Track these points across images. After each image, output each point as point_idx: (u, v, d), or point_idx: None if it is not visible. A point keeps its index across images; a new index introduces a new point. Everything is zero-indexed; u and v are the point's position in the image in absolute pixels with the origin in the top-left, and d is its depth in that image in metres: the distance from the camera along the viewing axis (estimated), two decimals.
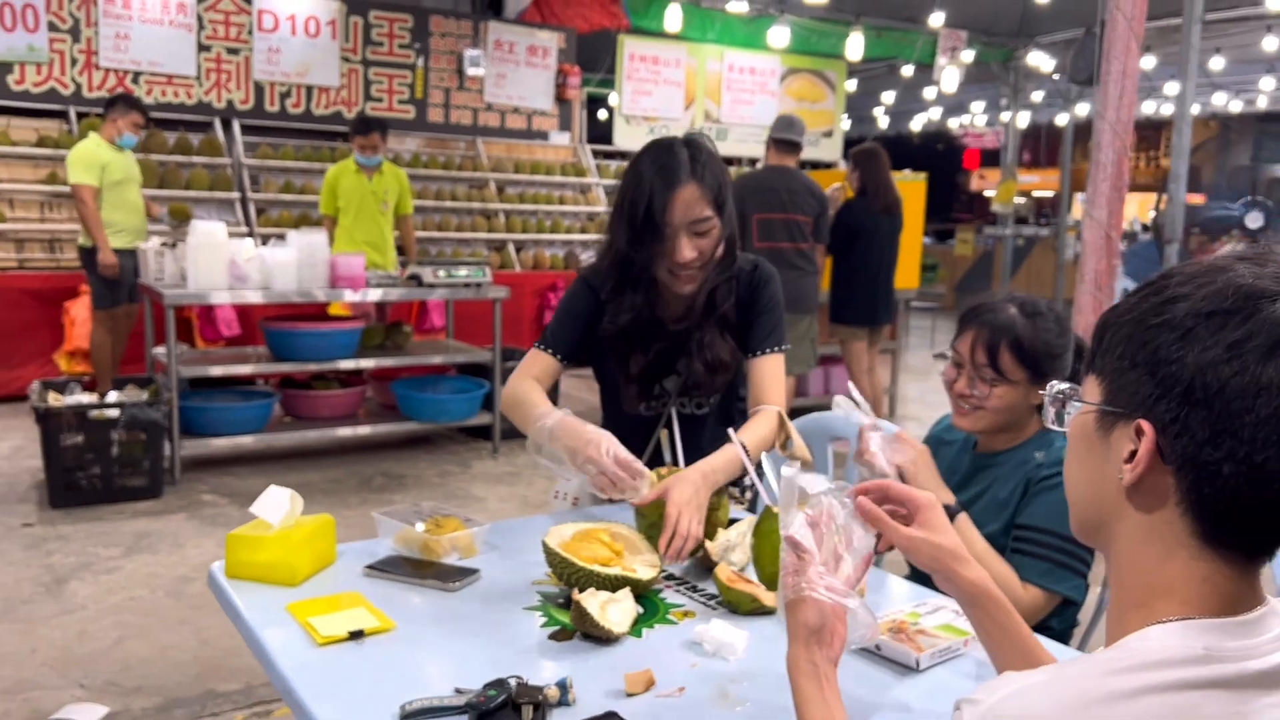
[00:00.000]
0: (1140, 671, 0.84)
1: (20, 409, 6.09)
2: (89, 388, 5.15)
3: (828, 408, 7.48)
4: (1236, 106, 16.13)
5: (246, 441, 5.43)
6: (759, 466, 1.89)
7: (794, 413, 6.56)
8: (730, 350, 2.10)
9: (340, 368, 5.62)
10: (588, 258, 9.21)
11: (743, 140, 10.37)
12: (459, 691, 1.37)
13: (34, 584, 3.82)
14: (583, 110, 10.04)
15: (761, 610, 1.67)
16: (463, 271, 5.82)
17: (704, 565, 1.86)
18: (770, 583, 1.70)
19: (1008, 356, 1.90)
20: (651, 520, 1.91)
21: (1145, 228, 15.60)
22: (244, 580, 1.76)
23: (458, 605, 1.70)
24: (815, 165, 10.46)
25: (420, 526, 1.93)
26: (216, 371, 5.33)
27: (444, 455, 5.92)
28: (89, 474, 4.69)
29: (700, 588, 1.79)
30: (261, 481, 5.38)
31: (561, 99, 9.63)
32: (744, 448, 1.93)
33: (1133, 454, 0.91)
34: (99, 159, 5.80)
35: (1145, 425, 0.89)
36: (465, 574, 1.79)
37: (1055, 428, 1.06)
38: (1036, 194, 24.20)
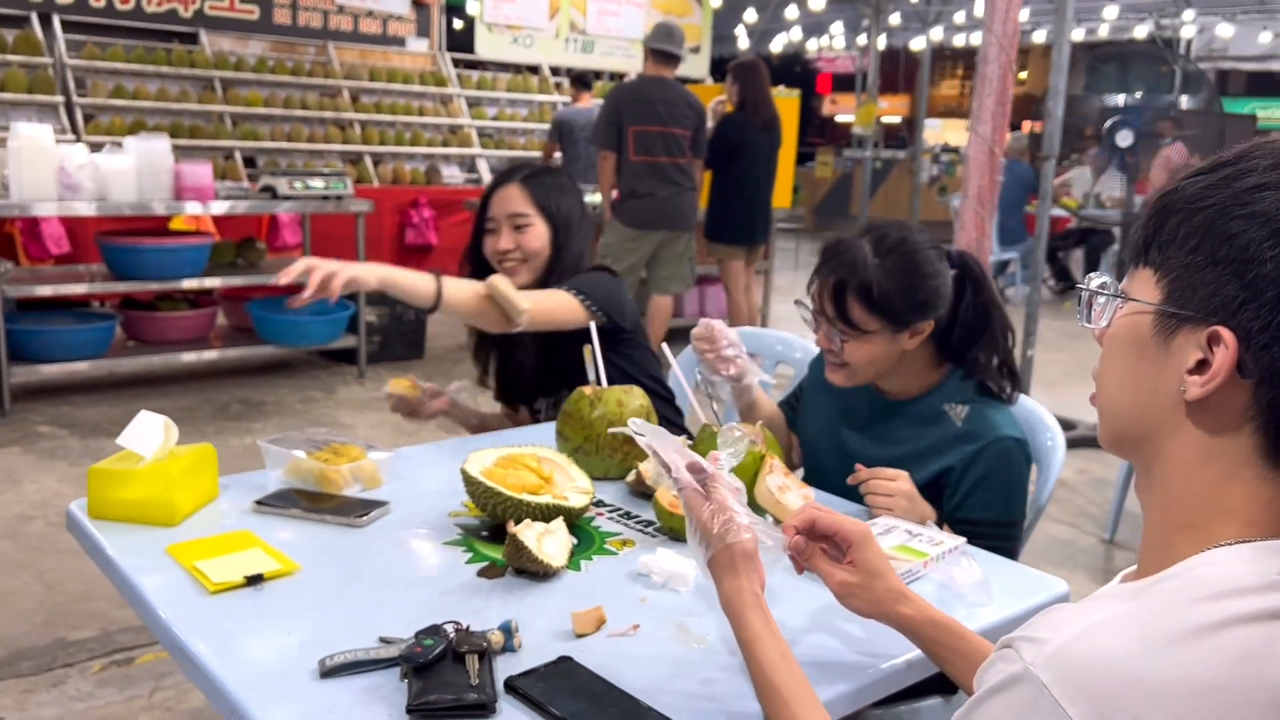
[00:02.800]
0: (1221, 600, 0.74)
1: None
2: None
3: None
4: (1079, 35, 16.65)
5: (85, 367, 4.97)
6: (697, 383, 1.75)
7: (670, 334, 6.40)
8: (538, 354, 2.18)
9: (188, 287, 5.19)
10: (450, 173, 8.84)
11: (609, 54, 10.08)
12: (385, 641, 1.20)
13: None
14: (442, 16, 9.54)
15: None
16: (320, 183, 5.44)
17: (637, 490, 1.72)
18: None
19: (857, 307, 1.65)
20: (576, 444, 1.76)
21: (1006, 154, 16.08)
22: (112, 521, 1.52)
23: (367, 542, 1.51)
24: (684, 82, 10.25)
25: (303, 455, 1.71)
26: (47, 291, 4.84)
27: (306, 380, 5.59)
28: None
29: (634, 514, 1.65)
30: (105, 410, 5.01)
31: (419, 4, 9.11)
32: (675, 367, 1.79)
33: (1201, 364, 0.79)
34: None
35: (1225, 333, 0.77)
36: (372, 506, 1.60)
37: (1085, 325, 0.94)
38: (885, 119, 24.65)
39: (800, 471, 2.00)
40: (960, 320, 1.73)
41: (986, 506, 1.66)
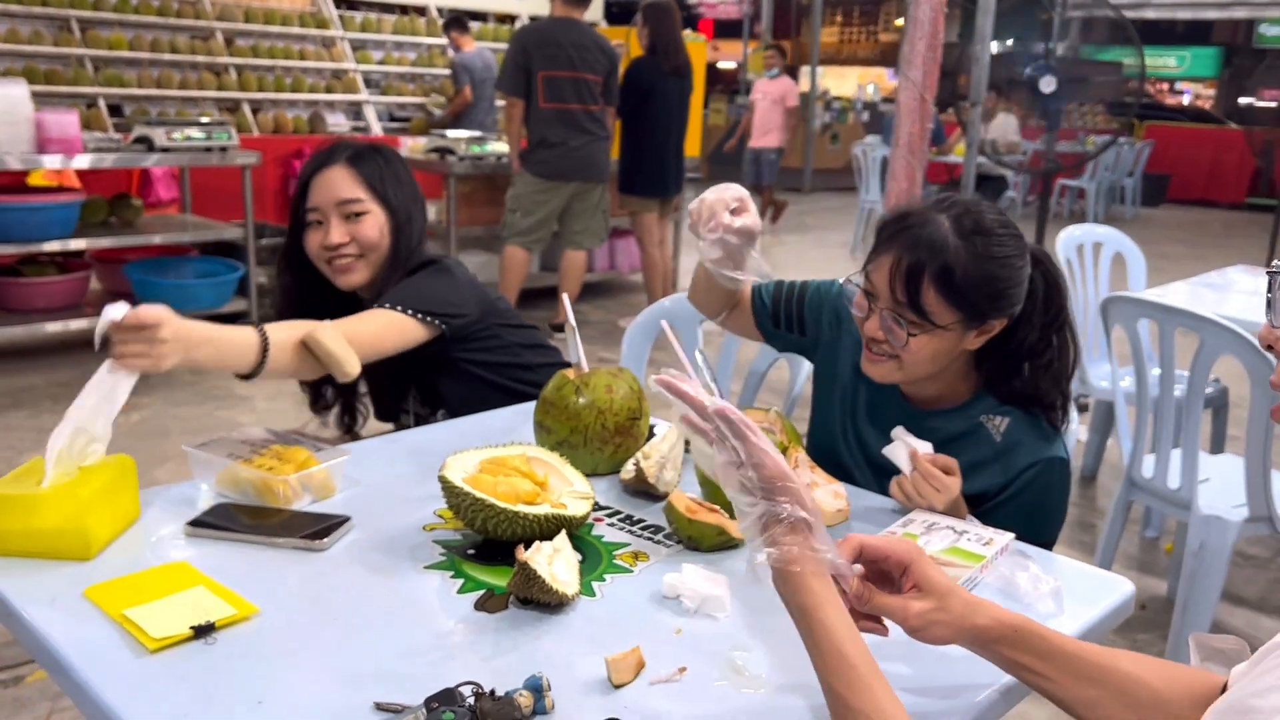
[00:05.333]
0: None
1: None
2: None
3: (615, 284, 7.15)
4: None
5: None
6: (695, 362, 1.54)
7: (586, 289, 6.16)
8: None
9: (56, 249, 4.71)
10: (336, 121, 8.35)
11: None
12: (385, 710, 0.97)
13: None
14: None
15: (728, 544, 1.34)
16: (201, 133, 4.99)
17: (634, 488, 1.51)
18: (730, 508, 1.37)
19: (933, 294, 1.41)
20: (561, 437, 1.53)
21: (888, 99, 16.14)
22: (8, 557, 1.24)
23: (333, 570, 1.26)
24: None
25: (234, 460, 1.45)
26: None
27: None
28: None
29: (638, 518, 1.44)
30: None
31: None
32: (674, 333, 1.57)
33: None
34: None
35: None
36: (330, 523, 1.35)
37: (1274, 323, 0.78)
38: None
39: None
40: (1023, 333, 1.49)
41: (1018, 526, 1.42)
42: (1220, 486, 2.61)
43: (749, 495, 0.91)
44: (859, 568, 0.99)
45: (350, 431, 2.15)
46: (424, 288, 1.83)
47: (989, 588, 1.27)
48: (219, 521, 1.34)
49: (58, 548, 1.23)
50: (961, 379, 1.55)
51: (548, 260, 6.12)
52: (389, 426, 2.18)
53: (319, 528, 1.33)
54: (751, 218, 1.51)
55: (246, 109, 7.83)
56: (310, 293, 1.93)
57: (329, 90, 8.41)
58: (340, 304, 1.91)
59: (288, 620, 1.14)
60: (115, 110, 7.30)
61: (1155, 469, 2.64)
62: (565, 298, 1.68)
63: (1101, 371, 3.47)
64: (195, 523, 1.34)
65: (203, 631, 1.09)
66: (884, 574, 1.01)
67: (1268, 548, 3.43)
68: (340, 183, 1.84)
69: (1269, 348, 0.85)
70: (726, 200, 1.49)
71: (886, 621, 1.01)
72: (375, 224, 1.86)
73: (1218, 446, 3.49)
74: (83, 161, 4.56)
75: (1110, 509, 2.83)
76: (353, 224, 1.84)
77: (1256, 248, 9.04)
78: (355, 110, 8.59)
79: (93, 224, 4.96)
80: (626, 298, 6.70)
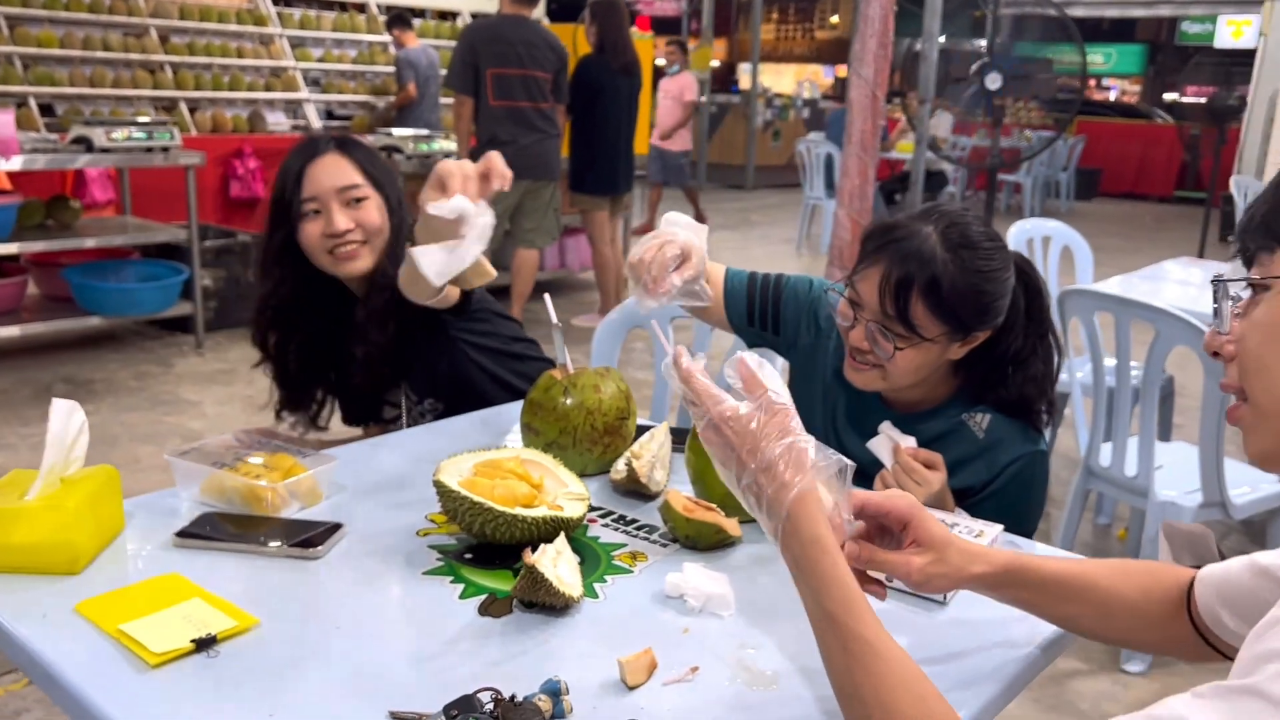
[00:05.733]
0: None
1: None
2: None
3: (567, 282, 7.18)
4: None
5: None
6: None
7: (536, 288, 6.14)
8: (388, 338, 1.83)
9: None
10: (276, 120, 8.21)
11: None
12: (399, 719, 0.96)
13: None
14: None
15: (726, 542, 1.35)
16: (143, 133, 4.87)
17: (625, 487, 1.51)
18: (726, 505, 1.38)
19: (921, 307, 1.41)
20: (549, 438, 1.53)
21: (826, 96, 16.33)
22: None
23: (329, 579, 1.25)
24: None
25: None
26: None
27: (137, 354, 5.05)
28: None
29: (632, 518, 1.44)
30: None
31: None
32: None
33: None
34: None
35: None
36: (323, 530, 1.33)
37: (1222, 333, 0.84)
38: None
39: None
40: (1007, 341, 1.51)
41: (1003, 518, 1.41)
42: (1173, 473, 2.68)
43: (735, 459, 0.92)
44: (860, 524, 1.05)
45: (315, 426, 2.11)
46: None
47: None
48: (207, 531, 1.32)
49: (43, 562, 1.20)
50: (942, 383, 1.56)
51: (499, 259, 6.08)
52: (358, 431, 2.15)
53: (311, 535, 1.31)
54: (693, 265, 1.44)
55: (184, 108, 7.67)
56: (306, 287, 1.89)
57: (268, 89, 8.27)
58: (333, 300, 1.90)
59: (289, 630, 1.12)
60: (46, 110, 7.11)
61: (1113, 458, 2.70)
62: (548, 298, 1.67)
63: None
64: (183, 533, 1.31)
65: (204, 644, 1.07)
66: (882, 529, 1.07)
67: (1214, 531, 3.53)
68: (337, 170, 1.82)
69: (1214, 354, 0.90)
70: (667, 262, 1.41)
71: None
72: (376, 208, 1.84)
73: (1164, 434, 3.58)
74: (19, 162, 4.43)
75: (1068, 497, 2.90)
76: (354, 210, 1.82)
77: (1187, 240, 9.31)
78: (295, 109, 8.46)
79: (29, 227, 4.82)
80: (578, 296, 6.69)
